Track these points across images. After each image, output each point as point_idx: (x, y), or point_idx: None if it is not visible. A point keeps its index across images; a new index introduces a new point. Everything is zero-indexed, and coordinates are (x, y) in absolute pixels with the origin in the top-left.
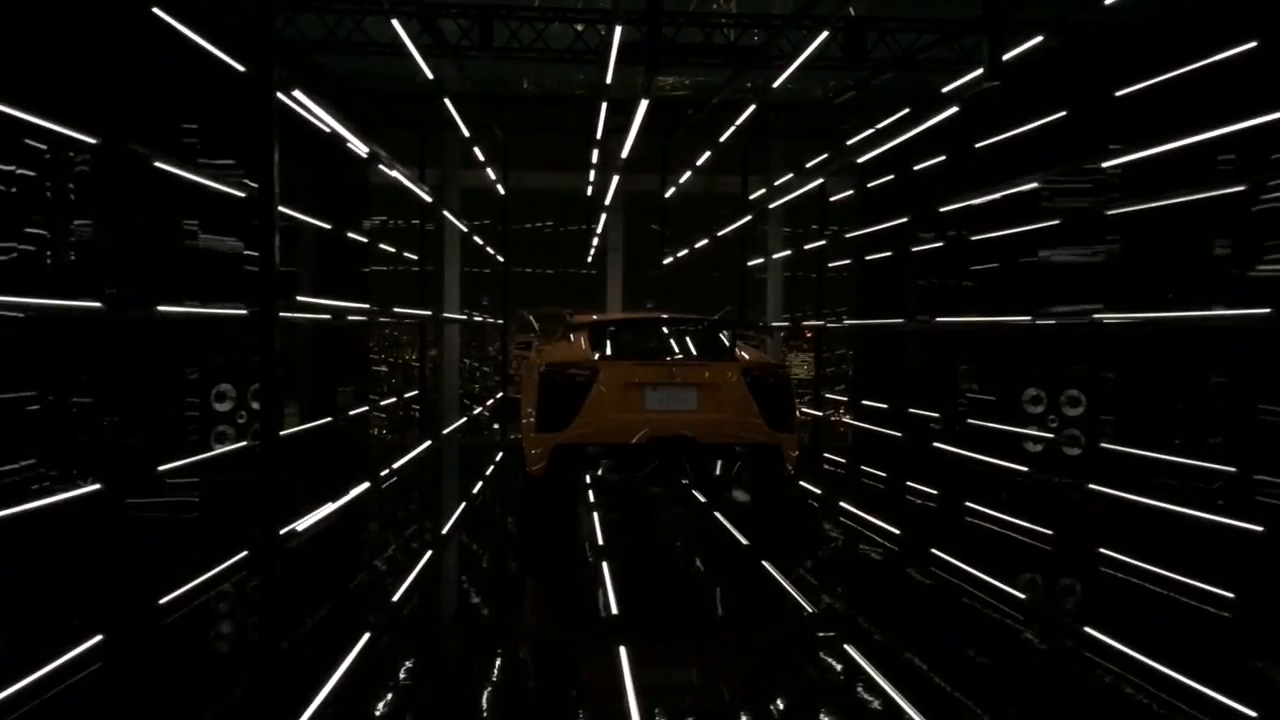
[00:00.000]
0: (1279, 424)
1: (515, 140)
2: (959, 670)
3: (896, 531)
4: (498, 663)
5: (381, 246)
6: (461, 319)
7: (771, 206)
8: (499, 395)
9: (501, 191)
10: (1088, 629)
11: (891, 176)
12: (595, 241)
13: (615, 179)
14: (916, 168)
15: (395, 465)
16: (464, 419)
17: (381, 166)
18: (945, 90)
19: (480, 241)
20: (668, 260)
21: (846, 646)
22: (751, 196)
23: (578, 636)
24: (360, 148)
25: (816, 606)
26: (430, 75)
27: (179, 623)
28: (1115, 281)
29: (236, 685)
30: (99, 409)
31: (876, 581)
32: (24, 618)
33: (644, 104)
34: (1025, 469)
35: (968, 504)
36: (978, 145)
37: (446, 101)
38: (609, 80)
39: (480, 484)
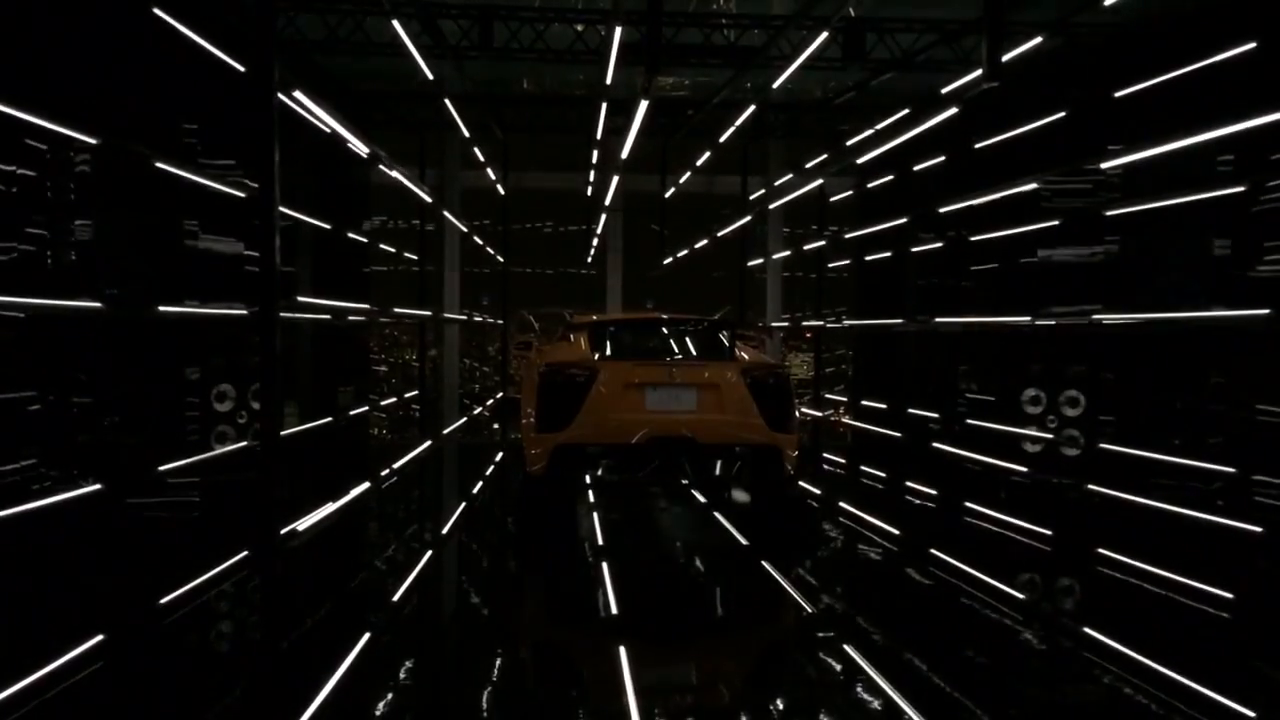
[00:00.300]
0: (1278, 425)
1: (515, 140)
2: (958, 670)
3: (896, 532)
4: (498, 663)
5: (382, 247)
6: (461, 319)
7: (771, 207)
8: (499, 395)
9: (501, 192)
10: (1087, 629)
11: (891, 177)
12: (595, 242)
13: (615, 179)
14: (916, 168)
15: (395, 465)
16: (464, 419)
17: (382, 167)
18: (945, 91)
19: (480, 242)
20: (668, 260)
21: (846, 646)
22: (751, 197)
23: (578, 636)
24: (360, 148)
25: (816, 606)
26: (430, 75)
27: (180, 622)
28: (1114, 282)
29: (237, 685)
30: (99, 409)
31: (876, 582)
32: (25, 617)
33: (644, 104)
34: (1024, 469)
35: (967, 504)
36: (977, 146)
37: (447, 102)
38: (609, 80)
39: (480, 484)
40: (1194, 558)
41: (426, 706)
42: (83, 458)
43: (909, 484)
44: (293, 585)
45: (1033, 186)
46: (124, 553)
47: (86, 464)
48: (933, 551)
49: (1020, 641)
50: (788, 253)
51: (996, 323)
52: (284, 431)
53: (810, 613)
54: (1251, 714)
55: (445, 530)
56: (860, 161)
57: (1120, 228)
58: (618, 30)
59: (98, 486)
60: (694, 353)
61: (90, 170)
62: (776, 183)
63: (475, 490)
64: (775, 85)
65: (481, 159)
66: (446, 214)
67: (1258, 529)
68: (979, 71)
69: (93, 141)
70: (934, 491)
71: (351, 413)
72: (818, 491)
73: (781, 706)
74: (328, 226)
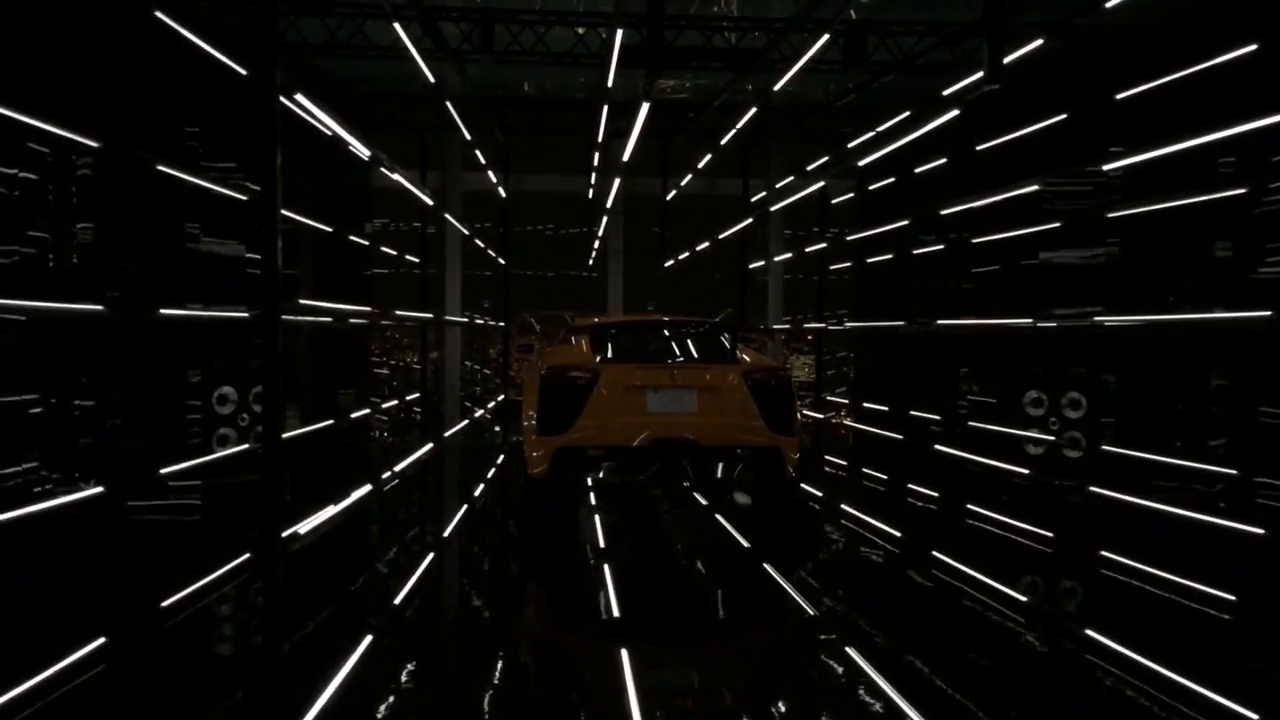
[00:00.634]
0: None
1: (516, 143)
2: (960, 673)
3: (897, 534)
4: (500, 665)
5: (383, 249)
6: (463, 321)
7: (772, 209)
8: (500, 398)
9: (503, 194)
10: (1089, 631)
11: (892, 179)
12: (596, 244)
13: (616, 182)
14: (917, 170)
15: (397, 468)
16: (465, 421)
17: (383, 169)
18: (946, 93)
19: (481, 244)
20: (669, 263)
21: (848, 649)
22: (752, 199)
23: (579, 639)
24: (362, 151)
25: (818, 609)
26: (431, 78)
27: (181, 625)
28: (1116, 284)
29: (239, 688)
30: (101, 412)
31: (878, 584)
32: (27, 620)
33: (645, 107)
34: (1026, 471)
35: (968, 506)
36: (978, 148)
37: (448, 104)
38: (610, 83)
39: (482, 486)
40: (1196, 560)
41: (429, 709)
42: (84, 460)
43: (910, 486)
44: (294, 588)
45: (1033, 188)
46: (126, 555)
47: (88, 467)
48: (934, 553)
49: (1022, 644)
50: (789, 255)
51: (998, 325)
52: (285, 434)
53: (812, 615)
54: (1254, 716)
55: (447, 533)
56: (861, 164)
57: (1121, 230)
58: (619, 33)
59: (99, 489)
60: (695, 355)
61: (92, 173)
62: (777, 185)
63: (477, 493)
64: (776, 88)
65: (483, 161)
66: (448, 216)
67: (1259, 531)
68: (980, 74)
69: (95, 145)
70: (935, 493)
71: (353, 415)
72: (819, 493)
73: (784, 709)
74: (329, 229)
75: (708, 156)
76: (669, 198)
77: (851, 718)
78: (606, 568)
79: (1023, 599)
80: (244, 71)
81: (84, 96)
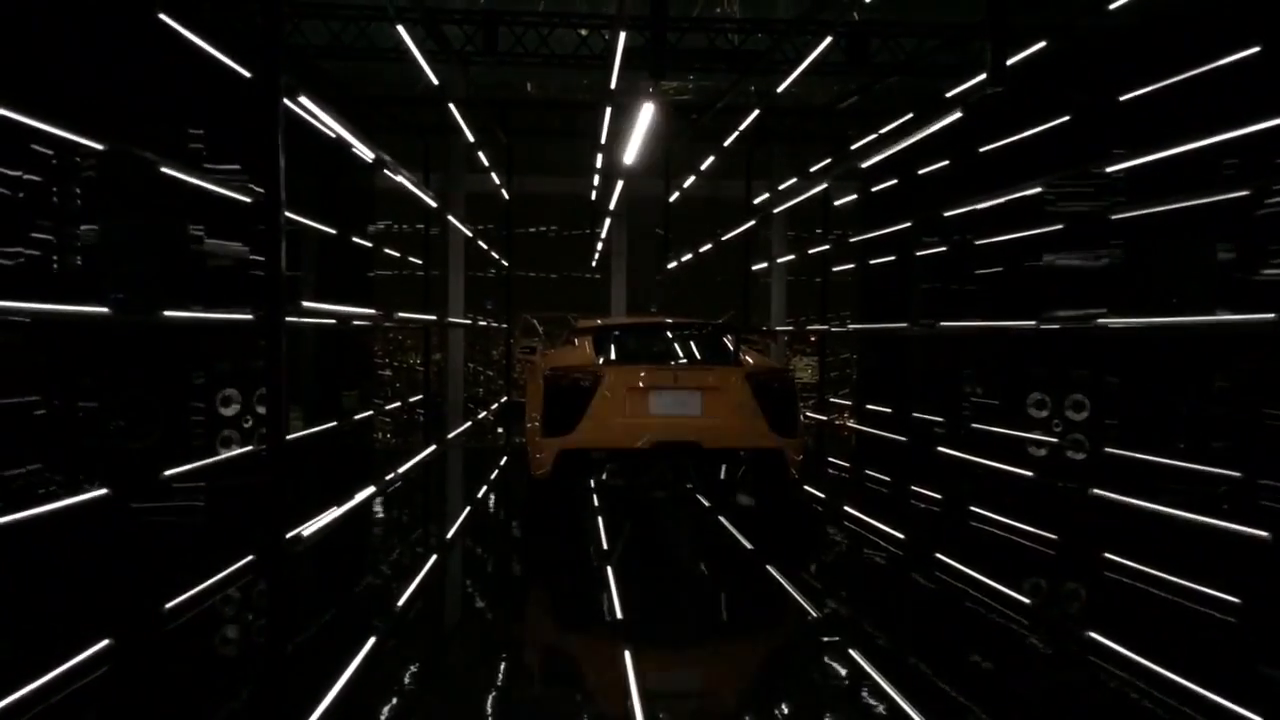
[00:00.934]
0: None
1: (519, 145)
2: (964, 675)
3: (901, 536)
4: (503, 667)
5: (386, 251)
6: (466, 323)
7: (775, 211)
8: (503, 399)
9: (506, 196)
10: (1093, 634)
11: (895, 181)
12: (599, 246)
13: (619, 184)
14: (920, 172)
15: (400, 470)
16: (469, 423)
17: (386, 171)
18: (949, 95)
19: (484, 246)
20: (672, 265)
21: (851, 651)
22: (755, 201)
23: (583, 641)
24: (365, 153)
25: (821, 611)
26: (435, 80)
27: (185, 627)
28: (1119, 286)
29: (242, 689)
30: (105, 414)
31: (881, 586)
32: (32, 622)
33: (648, 109)
34: (1029, 473)
35: (972, 508)
36: (982, 150)
37: (451, 106)
38: (613, 85)
39: (485, 488)
40: (1200, 562)
41: (432, 711)
42: (88, 462)
43: (914, 488)
44: (298, 590)
45: (1037, 190)
46: (130, 557)
47: (92, 469)
48: (938, 555)
49: (1026, 646)
50: (792, 257)
51: (1001, 327)
52: (289, 436)
53: (815, 617)
54: (1257, 719)
55: (450, 534)
56: (864, 165)
57: (1125, 231)
58: (622, 35)
59: (103, 491)
60: (698, 357)
61: (96, 175)
62: (780, 187)
63: (480, 494)
64: (779, 90)
65: (486, 163)
66: (451, 218)
67: (1264, 534)
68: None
69: (99, 147)
70: (939, 495)
71: (356, 417)
72: (823, 495)
73: (787, 711)
74: (332, 231)
75: (711, 158)
76: (672, 199)
77: None
78: (610, 569)
79: (1026, 601)
80: (248, 74)
81: (88, 98)
